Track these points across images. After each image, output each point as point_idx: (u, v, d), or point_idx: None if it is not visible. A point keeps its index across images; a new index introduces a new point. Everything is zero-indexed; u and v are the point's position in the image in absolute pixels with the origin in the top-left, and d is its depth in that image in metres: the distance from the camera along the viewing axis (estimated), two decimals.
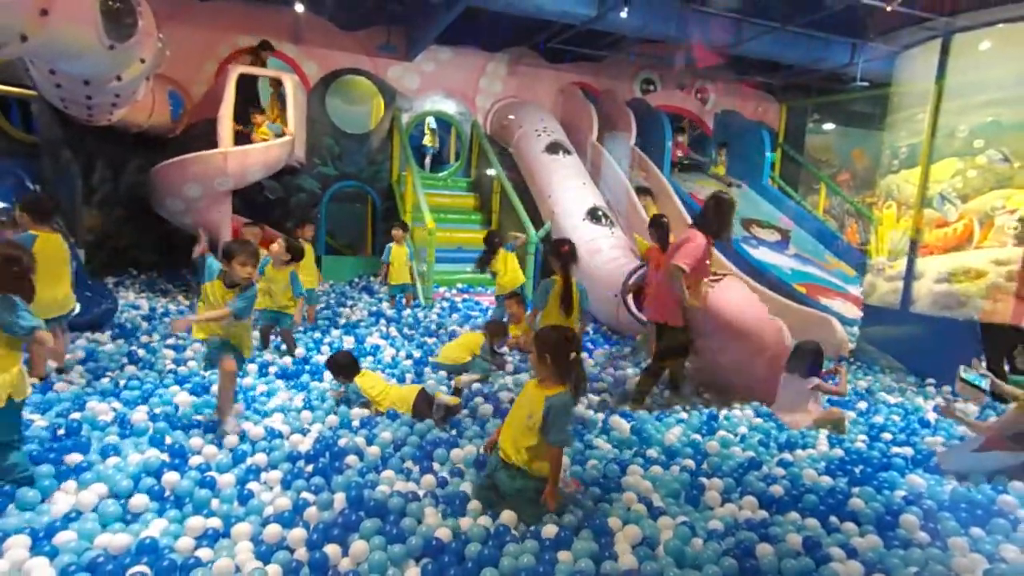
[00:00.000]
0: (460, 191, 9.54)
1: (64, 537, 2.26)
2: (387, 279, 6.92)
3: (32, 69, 4.71)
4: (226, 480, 2.76)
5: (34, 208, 3.92)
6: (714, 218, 4.05)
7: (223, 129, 6.49)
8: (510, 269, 6.18)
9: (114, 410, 3.46)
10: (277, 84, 7.39)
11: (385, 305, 6.85)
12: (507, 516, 2.58)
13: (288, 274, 4.96)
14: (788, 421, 3.94)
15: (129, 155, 7.35)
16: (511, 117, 9.50)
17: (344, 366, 3.88)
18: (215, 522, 2.45)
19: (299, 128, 7.37)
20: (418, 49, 8.96)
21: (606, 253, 6.80)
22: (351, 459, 3.03)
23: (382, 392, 3.79)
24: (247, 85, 7.31)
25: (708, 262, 4.12)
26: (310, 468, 2.92)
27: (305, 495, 2.68)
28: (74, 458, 2.85)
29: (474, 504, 2.66)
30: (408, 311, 6.62)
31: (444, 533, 2.41)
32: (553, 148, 8.61)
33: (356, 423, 3.55)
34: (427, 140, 11.21)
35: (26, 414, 3.25)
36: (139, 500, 2.55)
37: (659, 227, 5.16)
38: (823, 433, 3.79)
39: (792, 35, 7.93)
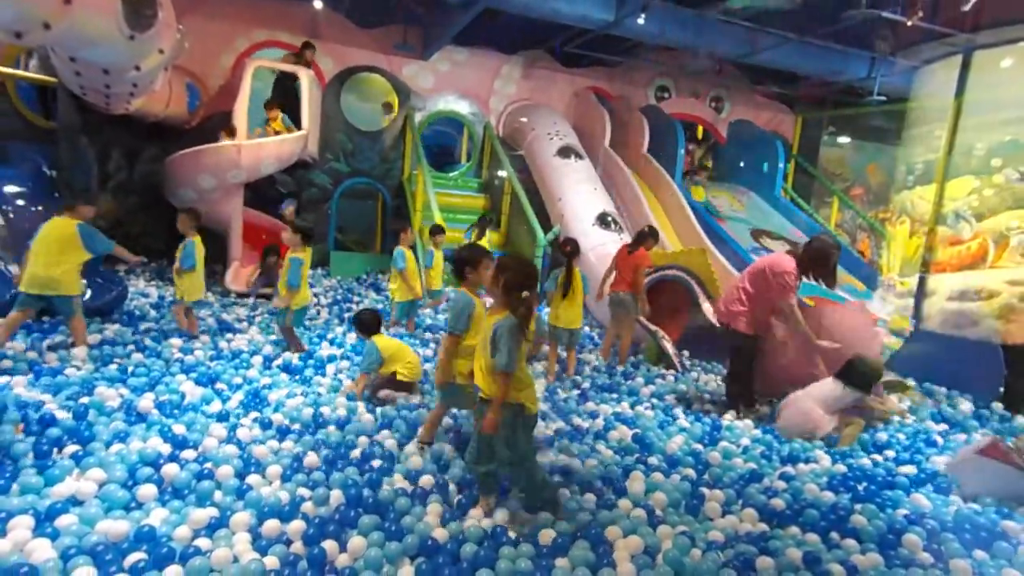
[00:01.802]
0: (471, 192, 9.56)
1: (66, 520, 2.28)
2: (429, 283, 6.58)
3: (53, 56, 4.77)
4: (225, 472, 2.77)
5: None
6: (817, 266, 4.08)
7: (238, 122, 6.54)
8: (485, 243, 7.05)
9: (121, 396, 3.49)
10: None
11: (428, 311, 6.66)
12: (502, 516, 2.58)
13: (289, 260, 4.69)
14: (805, 420, 3.87)
15: (144, 144, 7.42)
16: (524, 120, 9.51)
17: (367, 324, 4.02)
18: (215, 512, 2.46)
19: (313, 124, 7.41)
20: (434, 49, 8.99)
21: None
22: (356, 453, 3.05)
23: (398, 350, 3.99)
24: (284, 84, 7.41)
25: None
26: (316, 462, 2.94)
27: (303, 491, 2.69)
28: (76, 445, 2.87)
29: (476, 511, 2.65)
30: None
31: (441, 534, 2.41)
32: (565, 152, 8.61)
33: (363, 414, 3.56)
34: None
35: (37, 395, 3.31)
36: (142, 488, 2.57)
37: (640, 235, 5.46)
38: (820, 450, 3.75)
39: (810, 47, 7.89)
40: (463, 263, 2.98)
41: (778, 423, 4.05)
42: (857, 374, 3.92)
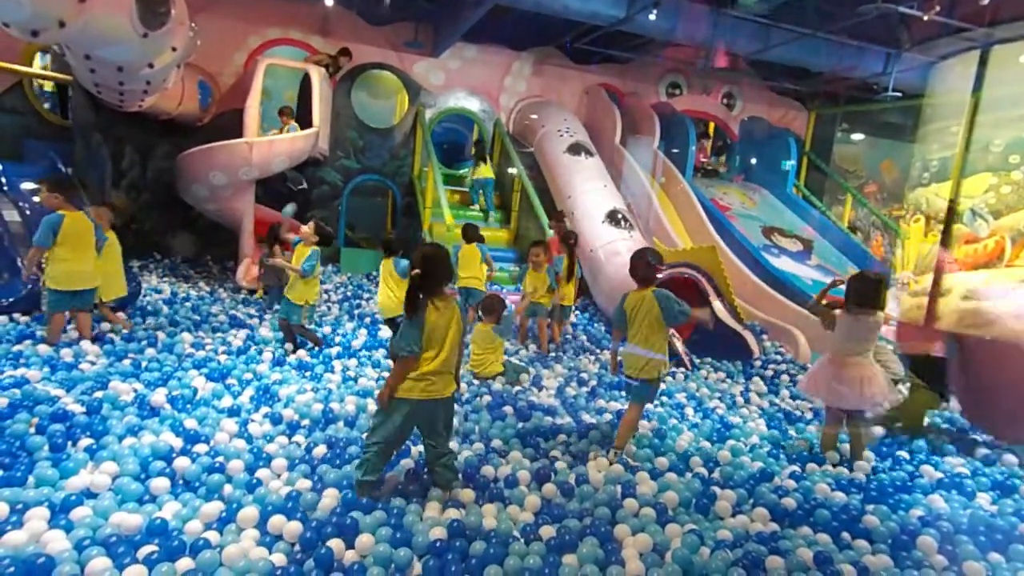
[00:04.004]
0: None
1: (80, 512, 2.31)
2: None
3: (68, 54, 4.82)
4: (236, 466, 2.79)
5: (62, 187, 4.22)
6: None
7: (249, 119, 6.58)
8: (483, 169, 8.65)
9: (134, 391, 3.53)
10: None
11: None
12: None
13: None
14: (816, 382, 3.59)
15: (157, 141, 7.49)
16: (534, 116, 9.48)
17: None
18: (225, 506, 2.48)
19: (323, 121, 7.44)
20: (444, 46, 8.99)
21: (625, 256, 6.75)
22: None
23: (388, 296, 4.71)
24: (308, 86, 7.42)
25: None
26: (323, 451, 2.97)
27: (306, 483, 2.71)
28: (90, 439, 2.91)
29: (490, 508, 2.66)
30: None
31: (439, 532, 2.40)
32: (575, 149, 8.58)
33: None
34: None
35: (52, 390, 3.35)
36: (155, 481, 2.60)
37: (560, 219, 6.37)
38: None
39: (824, 42, 7.79)
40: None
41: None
42: (859, 291, 3.46)
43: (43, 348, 4.04)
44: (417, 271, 2.60)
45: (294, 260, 4.77)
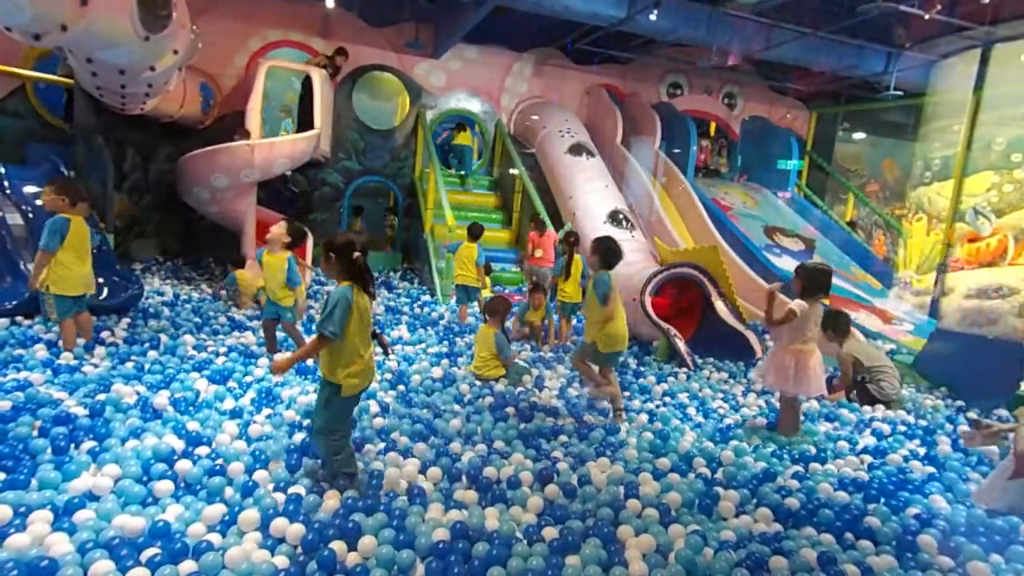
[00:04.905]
0: (482, 189, 9.56)
1: (83, 515, 2.31)
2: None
3: (70, 57, 4.83)
4: (237, 468, 2.79)
5: (68, 190, 4.14)
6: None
7: (251, 121, 6.59)
8: (462, 136, 9.25)
9: (137, 393, 3.53)
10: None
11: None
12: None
13: (285, 259, 4.47)
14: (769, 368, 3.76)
15: (159, 144, 7.51)
16: (535, 117, 9.49)
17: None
18: (227, 508, 2.48)
19: (325, 123, 7.44)
20: (445, 47, 9.00)
21: (626, 257, 6.72)
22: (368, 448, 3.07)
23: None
24: (309, 88, 7.42)
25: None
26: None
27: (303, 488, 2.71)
28: (93, 441, 2.91)
29: (493, 510, 2.66)
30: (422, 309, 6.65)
31: (442, 533, 2.39)
32: (576, 150, 8.59)
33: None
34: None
35: (55, 392, 3.35)
36: (157, 484, 2.59)
37: (541, 220, 7.01)
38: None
39: (825, 42, 7.79)
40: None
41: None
42: (815, 280, 3.61)
43: (42, 352, 4.03)
44: (352, 255, 2.53)
45: (268, 272, 4.49)
